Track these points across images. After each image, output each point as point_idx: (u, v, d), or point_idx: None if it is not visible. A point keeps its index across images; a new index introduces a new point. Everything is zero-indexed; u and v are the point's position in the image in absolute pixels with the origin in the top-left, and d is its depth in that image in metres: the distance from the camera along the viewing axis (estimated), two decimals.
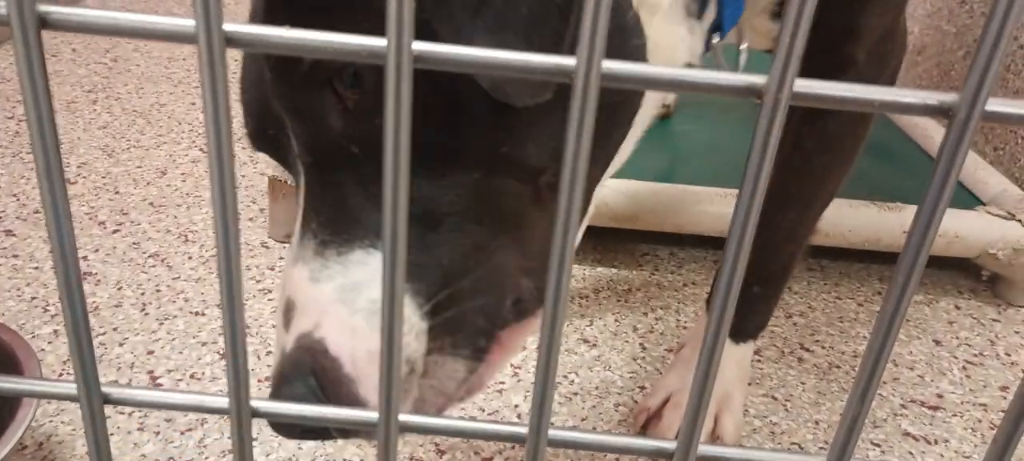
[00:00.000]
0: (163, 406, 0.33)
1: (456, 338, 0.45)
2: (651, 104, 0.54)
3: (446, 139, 0.43)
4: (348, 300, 0.43)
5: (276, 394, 0.43)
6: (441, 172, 0.43)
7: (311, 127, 0.43)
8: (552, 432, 0.30)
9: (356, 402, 0.42)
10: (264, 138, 0.48)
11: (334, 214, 0.44)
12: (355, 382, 0.43)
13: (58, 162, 0.26)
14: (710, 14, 0.55)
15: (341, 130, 0.43)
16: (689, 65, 0.55)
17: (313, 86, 0.42)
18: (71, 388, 0.31)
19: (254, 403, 0.33)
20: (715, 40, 0.57)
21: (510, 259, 0.46)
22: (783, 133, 0.24)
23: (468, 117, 0.43)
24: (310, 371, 0.42)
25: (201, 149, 1.36)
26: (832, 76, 0.68)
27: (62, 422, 0.79)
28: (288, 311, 0.44)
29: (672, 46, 0.53)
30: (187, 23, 0.24)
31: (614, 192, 1.09)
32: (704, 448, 0.30)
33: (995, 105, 0.23)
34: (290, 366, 0.43)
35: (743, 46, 0.67)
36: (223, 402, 0.32)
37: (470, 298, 0.45)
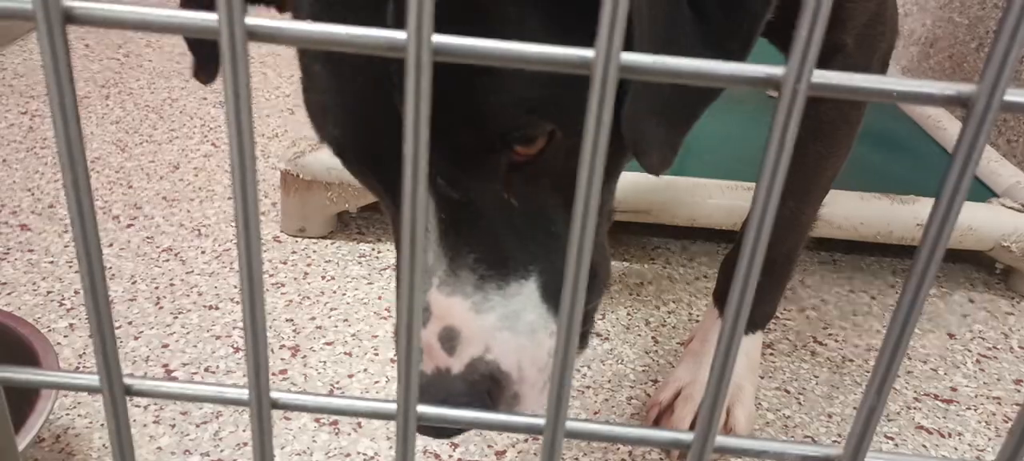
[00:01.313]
0: (183, 397, 0.33)
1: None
2: None
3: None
4: (511, 326, 0.50)
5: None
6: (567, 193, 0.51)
7: (471, 172, 0.47)
8: (569, 424, 0.31)
9: (516, 399, 0.51)
10: (364, 152, 0.49)
11: (490, 253, 0.49)
12: (520, 383, 0.50)
13: (82, 154, 0.27)
14: None
15: (504, 180, 0.48)
16: None
17: (487, 144, 0.47)
18: (93, 380, 0.32)
19: (274, 394, 0.33)
20: None
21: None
22: None
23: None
24: (486, 389, 0.49)
25: (213, 144, 1.37)
26: (822, 62, 0.68)
27: (79, 415, 0.80)
28: (450, 339, 0.50)
29: None
30: (210, 17, 0.24)
31: (625, 186, 1.09)
32: (721, 439, 0.31)
33: (1014, 95, 0.23)
34: (465, 386, 0.49)
35: None
36: (243, 394, 0.32)
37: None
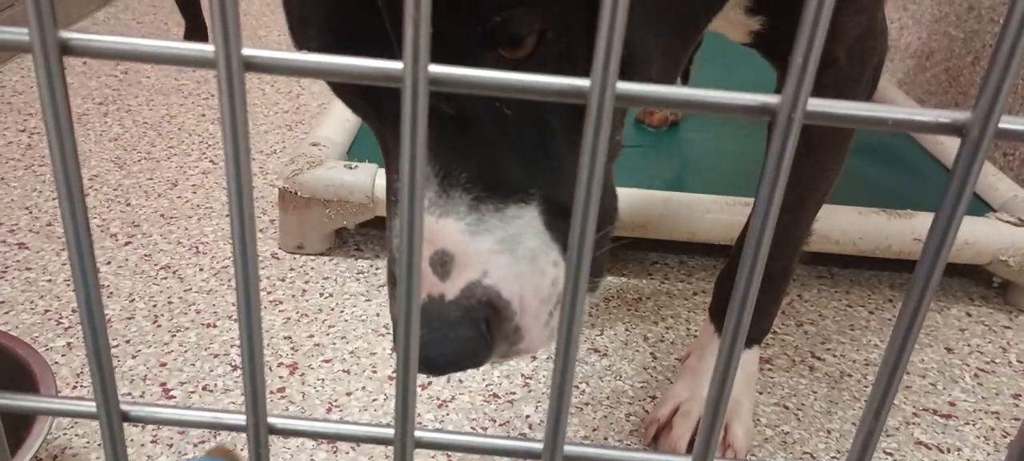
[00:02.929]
0: (181, 423, 0.33)
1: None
2: None
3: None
4: (511, 250, 0.46)
5: (443, 340, 0.45)
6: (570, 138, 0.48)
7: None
8: (567, 448, 0.31)
9: (518, 334, 0.47)
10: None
11: (486, 171, 0.46)
12: (521, 315, 0.47)
13: (79, 182, 0.27)
14: None
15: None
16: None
17: (477, 48, 0.43)
18: (90, 406, 0.31)
19: (271, 420, 0.33)
20: None
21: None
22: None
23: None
24: (484, 317, 0.45)
25: (211, 161, 1.37)
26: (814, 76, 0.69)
27: (76, 435, 0.80)
28: (443, 263, 0.46)
29: None
30: (206, 49, 0.24)
31: (623, 201, 1.09)
32: None
33: (1008, 123, 0.23)
34: (460, 312, 0.45)
35: None
36: (240, 419, 0.32)
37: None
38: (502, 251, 0.46)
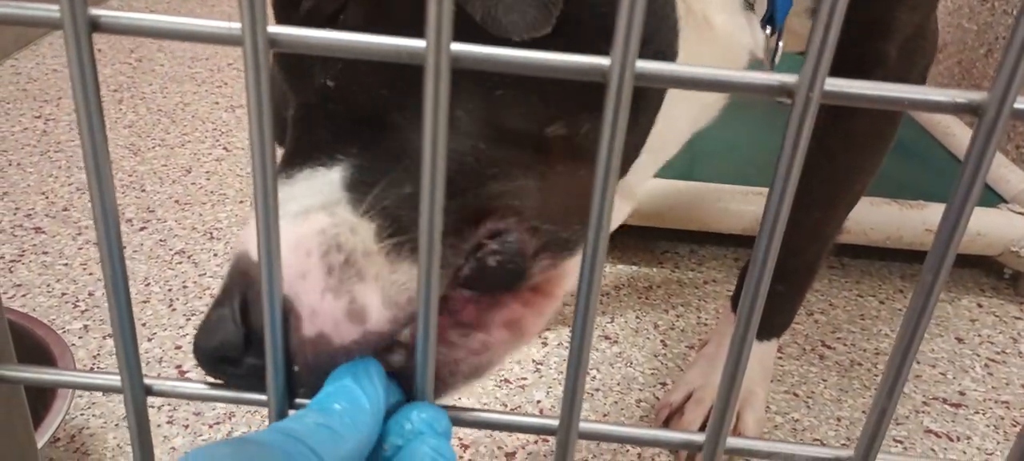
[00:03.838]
0: (202, 398, 0.34)
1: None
2: (696, 100, 0.52)
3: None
4: (281, 211, 0.39)
5: (205, 326, 0.38)
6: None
7: (297, 71, 0.42)
8: (582, 425, 0.31)
9: (289, 305, 0.38)
10: (278, 123, 0.44)
11: (295, 148, 0.42)
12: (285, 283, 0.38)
13: (106, 157, 0.27)
14: (762, 6, 0.54)
15: (320, 69, 0.41)
16: (752, 57, 0.54)
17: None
18: (114, 380, 0.32)
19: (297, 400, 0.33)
20: (769, 33, 0.55)
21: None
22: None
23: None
24: (240, 293, 0.38)
25: (224, 148, 1.37)
26: (864, 72, 0.67)
27: (94, 416, 0.81)
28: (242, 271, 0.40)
29: (732, 35, 0.51)
30: (233, 26, 0.24)
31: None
32: (732, 440, 0.31)
33: None
34: (221, 292, 0.39)
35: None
36: (261, 395, 0.33)
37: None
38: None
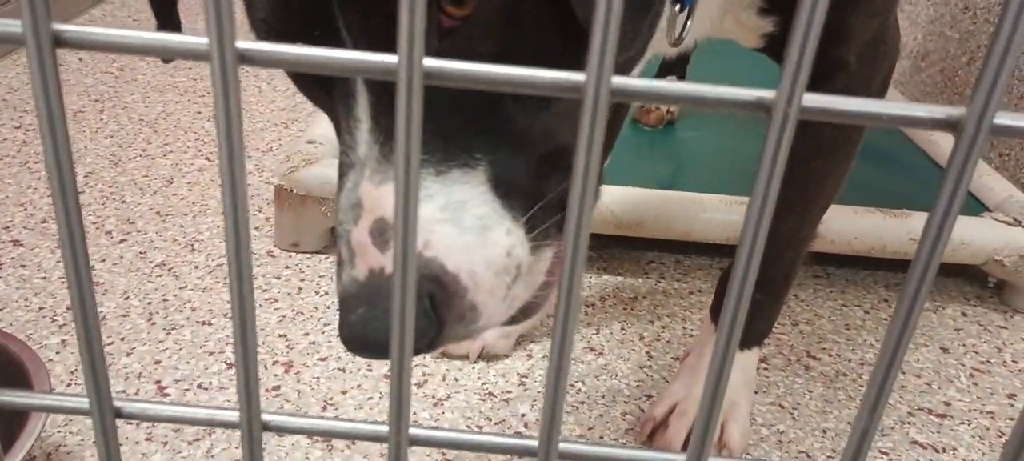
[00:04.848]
0: (174, 420, 0.33)
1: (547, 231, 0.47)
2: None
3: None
4: (455, 218, 0.43)
5: (384, 318, 0.41)
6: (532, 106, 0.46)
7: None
8: (562, 445, 0.31)
9: (474, 312, 0.44)
10: (293, 39, 0.42)
11: (427, 135, 0.42)
12: (475, 291, 0.44)
13: (72, 178, 0.26)
14: None
15: (438, 50, 0.41)
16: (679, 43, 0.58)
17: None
18: (83, 402, 0.31)
19: (265, 417, 0.33)
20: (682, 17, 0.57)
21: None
22: None
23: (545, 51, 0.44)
24: (427, 292, 0.42)
25: (207, 158, 1.36)
26: (824, 79, 0.68)
27: (71, 433, 0.80)
28: (382, 232, 0.42)
29: None
30: (200, 41, 0.24)
31: (619, 200, 1.09)
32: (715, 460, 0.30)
33: (1003, 119, 0.23)
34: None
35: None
36: (233, 416, 0.32)
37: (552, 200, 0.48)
38: (445, 220, 0.42)
